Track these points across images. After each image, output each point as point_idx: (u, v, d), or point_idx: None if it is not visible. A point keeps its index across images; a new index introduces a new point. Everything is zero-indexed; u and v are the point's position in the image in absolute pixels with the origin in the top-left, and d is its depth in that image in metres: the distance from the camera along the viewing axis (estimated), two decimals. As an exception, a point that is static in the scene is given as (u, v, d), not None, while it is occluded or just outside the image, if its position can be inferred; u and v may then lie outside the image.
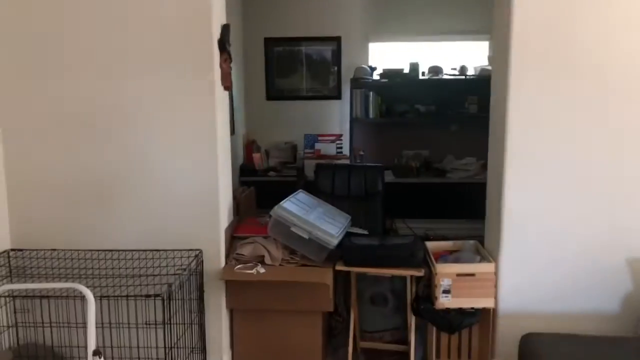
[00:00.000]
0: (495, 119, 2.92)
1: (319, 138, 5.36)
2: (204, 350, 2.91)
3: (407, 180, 4.98)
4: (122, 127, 2.79)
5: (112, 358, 2.68)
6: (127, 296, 2.32)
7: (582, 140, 2.70)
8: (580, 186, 2.73)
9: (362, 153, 5.25)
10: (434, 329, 2.92)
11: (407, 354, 2.97)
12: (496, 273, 2.80)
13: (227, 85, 2.90)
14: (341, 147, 5.35)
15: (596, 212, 2.74)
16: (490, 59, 2.97)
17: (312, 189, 3.77)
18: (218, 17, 2.80)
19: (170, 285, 2.37)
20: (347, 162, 5.13)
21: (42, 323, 2.63)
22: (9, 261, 2.80)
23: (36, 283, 2.54)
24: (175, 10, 2.69)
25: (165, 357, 2.36)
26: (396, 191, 5.06)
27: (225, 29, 2.86)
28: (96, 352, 1.66)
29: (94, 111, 2.78)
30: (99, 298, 2.22)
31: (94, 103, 2.77)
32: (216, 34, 2.77)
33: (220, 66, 2.81)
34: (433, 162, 5.21)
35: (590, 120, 2.68)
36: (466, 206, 4.51)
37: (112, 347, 2.59)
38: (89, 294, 1.69)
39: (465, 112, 5.07)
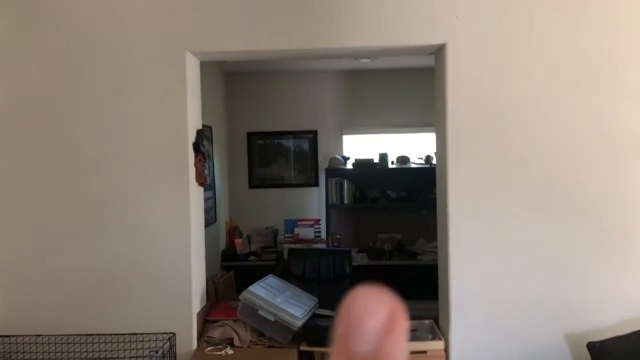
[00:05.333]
0: (440, 208, 3.27)
1: (299, 223, 5.67)
2: None
3: (381, 262, 5.24)
4: (104, 223, 3.11)
5: None
6: (100, 378, 2.54)
7: (517, 222, 3.01)
8: (519, 265, 3.01)
9: (338, 237, 5.55)
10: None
11: None
12: (446, 350, 3.02)
13: (201, 182, 3.26)
14: (319, 232, 5.65)
15: (535, 290, 3.01)
16: (436, 154, 3.36)
17: (287, 272, 4.07)
18: (193, 123, 3.21)
19: (141, 366, 2.60)
20: (324, 246, 5.41)
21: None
22: (-5, 347, 3.03)
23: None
24: (157, 119, 3.10)
25: None
26: (371, 274, 5.33)
27: (199, 133, 3.26)
28: None
29: (77, 209, 3.12)
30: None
31: (79, 201, 3.12)
32: (191, 138, 3.17)
33: (195, 165, 3.19)
34: (406, 245, 5.50)
35: (524, 205, 3.01)
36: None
37: None
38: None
39: (434, 198, 5.40)
